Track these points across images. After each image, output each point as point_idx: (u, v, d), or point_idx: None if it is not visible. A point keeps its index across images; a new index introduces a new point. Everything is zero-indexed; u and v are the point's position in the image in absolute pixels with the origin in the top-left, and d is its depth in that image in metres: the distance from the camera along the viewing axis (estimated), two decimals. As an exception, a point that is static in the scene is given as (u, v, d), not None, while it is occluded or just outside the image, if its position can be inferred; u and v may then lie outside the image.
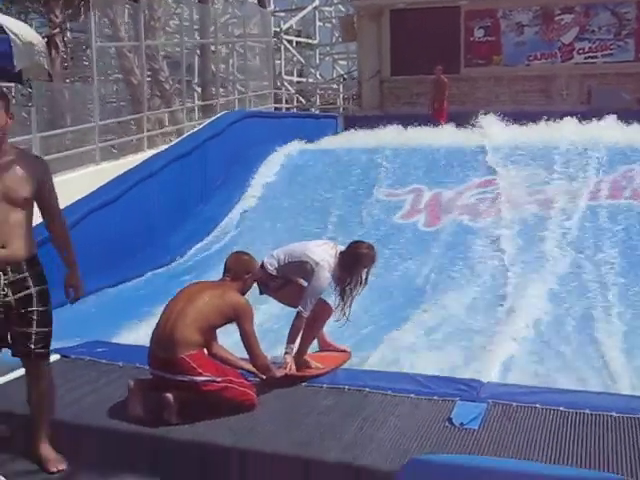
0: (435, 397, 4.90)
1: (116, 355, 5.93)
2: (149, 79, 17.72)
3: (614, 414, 4.58)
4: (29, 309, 3.95)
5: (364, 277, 5.53)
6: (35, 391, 4.06)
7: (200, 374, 4.62)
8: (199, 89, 19.68)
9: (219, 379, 4.67)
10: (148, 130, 13.89)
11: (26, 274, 3.95)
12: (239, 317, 4.82)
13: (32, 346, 3.96)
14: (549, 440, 4.28)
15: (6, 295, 3.89)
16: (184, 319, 4.70)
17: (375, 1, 19.95)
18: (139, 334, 7.40)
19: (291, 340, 5.37)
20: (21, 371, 4.34)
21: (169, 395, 4.58)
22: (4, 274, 3.88)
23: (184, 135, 12.84)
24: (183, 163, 11.57)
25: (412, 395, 4.94)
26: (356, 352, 6.32)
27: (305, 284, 5.44)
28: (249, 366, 5.02)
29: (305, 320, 5.37)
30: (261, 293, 5.74)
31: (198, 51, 19.43)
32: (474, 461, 3.87)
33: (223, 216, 11.70)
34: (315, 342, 5.84)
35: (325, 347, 5.96)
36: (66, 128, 11.92)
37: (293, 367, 5.32)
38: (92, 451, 4.28)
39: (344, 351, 5.98)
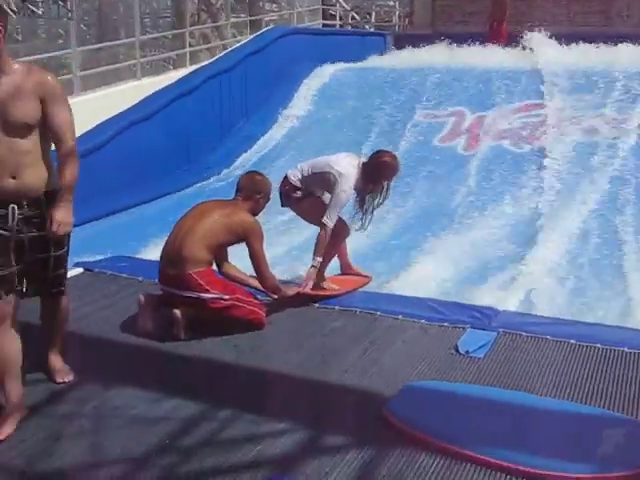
0: (446, 323, 4.86)
1: (137, 270, 6.01)
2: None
3: (626, 349, 4.49)
4: (44, 252, 3.70)
5: (386, 187, 5.49)
6: (49, 315, 4.02)
7: (207, 291, 4.65)
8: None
9: (227, 297, 4.69)
10: (191, 46, 13.75)
11: (44, 210, 3.62)
12: (248, 236, 4.81)
13: (47, 288, 3.84)
14: (553, 372, 4.21)
15: (20, 231, 3.58)
16: (193, 236, 4.72)
17: None
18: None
19: (317, 253, 5.33)
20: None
21: (177, 311, 4.63)
22: (19, 208, 3.56)
23: (225, 51, 12.68)
24: (223, 79, 11.47)
25: (423, 320, 4.90)
26: (378, 276, 6.33)
27: (327, 199, 5.41)
28: (259, 284, 5.04)
29: (329, 232, 5.32)
30: (282, 205, 5.72)
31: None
32: (465, 389, 3.86)
33: (263, 133, 11.64)
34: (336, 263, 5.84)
35: (347, 271, 5.94)
36: (106, 42, 11.82)
37: (310, 284, 5.29)
38: (101, 363, 4.37)
39: (365, 276, 5.96)
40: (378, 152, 5.60)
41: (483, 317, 4.94)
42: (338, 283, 5.68)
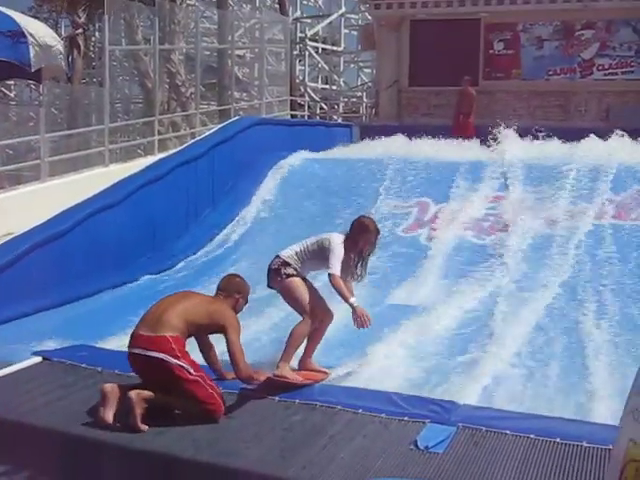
0: (406, 418, 4.85)
1: (97, 360, 5.96)
2: (167, 82, 17.87)
3: (585, 444, 4.50)
4: None
5: (372, 244, 6.18)
6: None
7: (177, 357, 4.70)
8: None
9: (192, 371, 4.73)
10: (160, 133, 13.94)
11: None
12: (227, 327, 5.00)
13: None
14: (512, 468, 4.21)
15: None
16: (175, 307, 4.92)
17: (395, 11, 19.88)
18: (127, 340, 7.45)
19: (346, 297, 5.80)
20: None
21: (132, 393, 4.61)
22: None
23: (193, 140, 12.88)
24: (190, 168, 11.60)
25: (383, 415, 4.89)
26: (338, 365, 6.34)
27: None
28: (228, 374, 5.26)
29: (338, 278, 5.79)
30: (268, 285, 6.02)
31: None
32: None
33: (228, 222, 11.70)
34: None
35: (305, 367, 6.05)
36: (75, 129, 11.97)
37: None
38: (53, 455, 4.29)
39: (324, 372, 6.07)
40: (359, 217, 6.31)
41: (443, 411, 4.94)
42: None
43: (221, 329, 5.03)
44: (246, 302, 5.44)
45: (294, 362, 5.91)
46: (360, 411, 4.94)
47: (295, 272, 5.85)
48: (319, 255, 5.91)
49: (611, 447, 4.38)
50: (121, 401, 4.71)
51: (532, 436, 4.59)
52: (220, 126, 13.46)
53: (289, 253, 5.96)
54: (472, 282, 9.32)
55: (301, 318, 5.80)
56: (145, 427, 4.56)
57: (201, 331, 5.11)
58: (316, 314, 5.89)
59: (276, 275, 5.84)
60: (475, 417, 4.88)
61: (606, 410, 5.72)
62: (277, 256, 5.96)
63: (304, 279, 5.95)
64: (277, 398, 5.18)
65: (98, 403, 4.77)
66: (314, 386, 5.55)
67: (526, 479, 4.10)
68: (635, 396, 1.19)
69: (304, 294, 5.81)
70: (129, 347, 4.93)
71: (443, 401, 5.18)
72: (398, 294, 9.17)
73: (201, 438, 4.54)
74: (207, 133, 13.10)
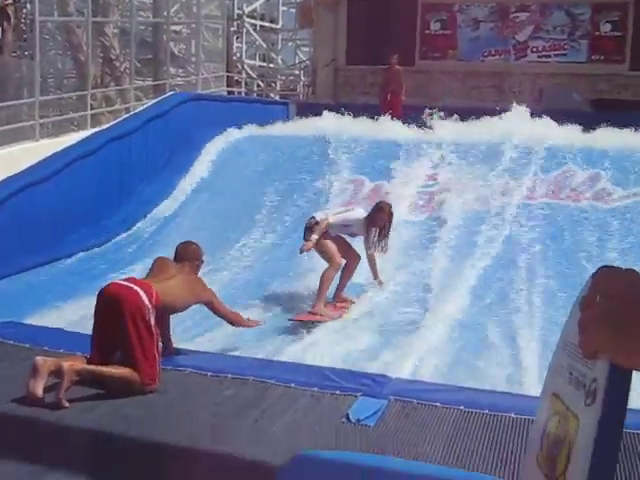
0: (338, 392, 4.87)
1: (25, 337, 5.82)
2: (101, 56, 17.50)
3: (513, 415, 4.59)
4: None
5: (387, 222, 7.98)
6: None
7: (150, 299, 4.88)
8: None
9: (153, 321, 4.86)
10: (93, 108, 13.66)
11: None
12: (208, 299, 5.69)
13: None
14: (443, 439, 4.27)
15: None
16: (164, 284, 5.17)
17: (333, -11, 19.83)
18: (61, 315, 7.34)
19: (376, 275, 8.17)
20: None
21: (65, 364, 4.52)
22: None
23: (127, 115, 12.66)
24: (124, 143, 11.40)
25: (315, 389, 4.91)
26: (267, 344, 6.38)
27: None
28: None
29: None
30: (304, 238, 7.74)
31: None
32: (357, 459, 3.85)
33: (163, 198, 11.55)
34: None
35: (338, 298, 7.97)
36: (5, 102, 11.65)
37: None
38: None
39: (351, 301, 7.99)
40: (378, 202, 8.36)
41: (375, 385, 4.98)
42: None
43: (201, 302, 5.70)
44: (202, 262, 5.98)
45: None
46: (292, 385, 4.95)
47: (326, 236, 7.67)
48: (344, 224, 7.84)
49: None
50: (53, 375, 4.62)
51: (462, 408, 4.66)
52: (155, 101, 13.25)
53: (322, 216, 7.79)
54: (406, 259, 9.39)
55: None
56: (66, 403, 4.46)
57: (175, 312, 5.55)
58: (346, 258, 7.86)
59: (310, 232, 7.66)
60: (406, 390, 4.94)
61: (535, 382, 5.88)
62: (312, 217, 7.87)
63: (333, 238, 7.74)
64: (209, 373, 5.15)
65: (28, 377, 4.65)
66: (246, 360, 5.54)
67: (455, 449, 4.16)
68: (559, 352, 1.21)
69: (331, 247, 7.69)
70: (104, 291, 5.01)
71: (375, 375, 5.23)
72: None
73: (132, 414, 4.49)
74: (141, 108, 12.88)
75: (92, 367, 4.60)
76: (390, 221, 8.08)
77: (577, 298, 1.15)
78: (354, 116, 14.34)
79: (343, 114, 14.39)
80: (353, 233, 8.05)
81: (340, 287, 8.02)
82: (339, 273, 7.94)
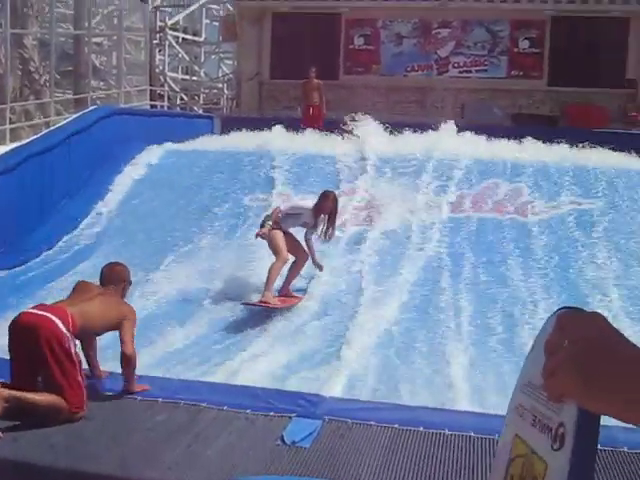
0: (272, 413, 4.82)
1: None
2: (20, 68, 17.06)
3: (446, 432, 4.61)
4: None
5: (333, 210, 8.63)
6: None
7: (67, 327, 4.65)
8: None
9: (74, 348, 4.67)
10: (12, 122, 13.30)
11: None
12: (124, 322, 5.13)
13: None
14: (378, 458, 4.26)
15: None
16: (74, 304, 4.92)
17: (258, 3, 19.82)
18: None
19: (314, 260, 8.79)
20: None
21: None
22: None
23: (47, 129, 12.35)
24: (45, 158, 11.09)
25: (248, 411, 4.84)
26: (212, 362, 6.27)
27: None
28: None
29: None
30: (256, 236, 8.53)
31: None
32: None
33: (84, 215, 11.26)
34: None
35: (285, 293, 8.45)
36: None
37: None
38: None
39: (298, 297, 8.42)
40: (324, 191, 8.89)
41: (308, 405, 4.94)
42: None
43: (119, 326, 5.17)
44: (130, 283, 5.70)
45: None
46: (225, 408, 4.87)
47: (277, 226, 8.34)
48: (295, 213, 8.54)
49: (472, 434, 4.55)
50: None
51: (396, 426, 4.66)
52: (76, 115, 12.96)
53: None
54: (334, 273, 9.37)
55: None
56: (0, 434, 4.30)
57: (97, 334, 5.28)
58: (295, 255, 8.50)
59: (262, 227, 8.37)
60: (340, 409, 4.91)
61: (464, 397, 5.93)
62: (266, 214, 8.64)
63: (285, 232, 8.39)
64: (139, 397, 5.02)
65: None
66: (176, 382, 5.43)
67: (390, 468, 4.15)
68: (520, 392, 1.19)
69: (280, 241, 8.27)
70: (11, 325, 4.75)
71: (309, 394, 5.18)
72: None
73: (59, 443, 4.34)
74: (63, 122, 12.58)
75: (19, 394, 4.43)
76: (336, 208, 8.75)
77: (537, 338, 1.13)
78: (279, 129, 14.32)
79: (268, 127, 14.35)
80: (305, 223, 8.62)
81: (286, 282, 8.52)
82: (287, 268, 8.53)
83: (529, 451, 1.12)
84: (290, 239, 8.50)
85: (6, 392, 4.40)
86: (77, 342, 4.90)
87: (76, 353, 4.73)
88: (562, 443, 1.03)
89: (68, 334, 4.64)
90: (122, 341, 5.05)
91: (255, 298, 8.30)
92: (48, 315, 4.65)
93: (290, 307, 8.22)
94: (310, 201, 8.78)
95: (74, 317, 4.75)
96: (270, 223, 8.34)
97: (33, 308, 4.87)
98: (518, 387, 1.21)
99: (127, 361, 5.01)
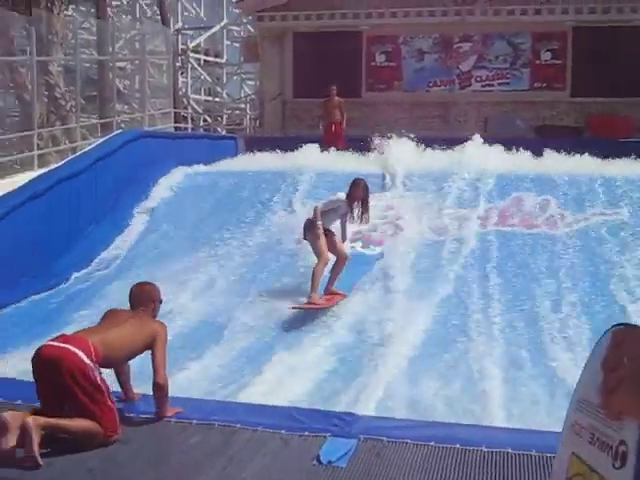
0: (306, 433, 4.78)
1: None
2: (46, 94, 17.25)
3: (484, 448, 4.56)
4: None
5: (364, 195, 9.19)
6: None
7: (90, 357, 4.58)
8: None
9: (100, 377, 4.62)
10: (39, 148, 13.45)
11: None
12: (156, 341, 5.02)
13: None
14: (416, 478, 4.21)
15: None
16: (100, 333, 4.83)
17: (278, 23, 19.95)
18: (16, 363, 7.09)
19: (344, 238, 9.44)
20: None
21: (29, 420, 4.32)
22: None
23: (75, 154, 12.47)
24: (72, 183, 11.21)
25: (283, 431, 4.80)
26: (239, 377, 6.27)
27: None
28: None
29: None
30: (304, 238, 9.15)
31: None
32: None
33: (113, 238, 11.36)
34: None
35: (329, 291, 8.96)
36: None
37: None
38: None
39: (342, 294, 8.97)
40: (354, 179, 9.33)
41: (343, 424, 4.90)
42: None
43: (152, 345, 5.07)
44: (161, 302, 5.52)
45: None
46: (260, 428, 4.84)
47: (320, 230, 8.81)
48: (332, 208, 9.04)
49: (509, 450, 4.50)
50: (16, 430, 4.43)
51: (432, 444, 4.61)
52: (102, 140, 13.09)
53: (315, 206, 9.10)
54: (362, 292, 9.36)
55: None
56: (41, 461, 4.29)
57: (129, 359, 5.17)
58: (335, 255, 9.05)
59: (307, 230, 8.96)
60: (375, 428, 4.86)
61: (500, 413, 5.89)
62: (308, 219, 9.09)
63: (326, 232, 8.91)
64: (173, 420, 5.01)
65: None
66: (210, 404, 5.42)
67: (428, 488, 4.11)
68: (575, 410, 1.17)
69: (322, 244, 8.79)
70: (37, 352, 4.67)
71: (342, 413, 5.15)
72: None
73: (95, 467, 4.32)
74: (89, 147, 12.71)
75: (54, 421, 4.43)
76: (367, 194, 9.30)
77: (591, 355, 1.11)
78: (304, 148, 14.38)
79: (291, 147, 14.41)
80: (343, 215, 9.16)
81: (330, 281, 9.04)
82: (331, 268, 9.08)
83: (588, 469, 1.10)
84: (330, 240, 8.99)
85: (42, 420, 4.39)
86: (103, 369, 4.86)
87: (102, 379, 4.66)
88: (624, 461, 1.01)
89: (91, 364, 4.58)
90: (155, 369, 4.96)
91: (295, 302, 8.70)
92: (69, 347, 4.58)
93: (336, 304, 8.74)
94: (342, 193, 9.17)
95: (96, 346, 4.67)
96: (319, 222, 8.83)
97: (54, 340, 4.76)
98: (573, 404, 1.19)
99: (160, 390, 4.96)
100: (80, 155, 12.28)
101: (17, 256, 9.84)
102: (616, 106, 18.40)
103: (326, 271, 8.98)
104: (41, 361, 4.58)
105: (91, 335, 4.77)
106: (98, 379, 4.59)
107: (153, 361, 4.99)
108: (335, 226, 9.24)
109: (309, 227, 8.96)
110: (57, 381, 4.50)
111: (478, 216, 11.13)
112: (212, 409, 5.23)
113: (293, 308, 8.55)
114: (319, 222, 8.86)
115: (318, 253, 8.84)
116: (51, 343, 4.69)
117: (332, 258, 9.10)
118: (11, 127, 16.21)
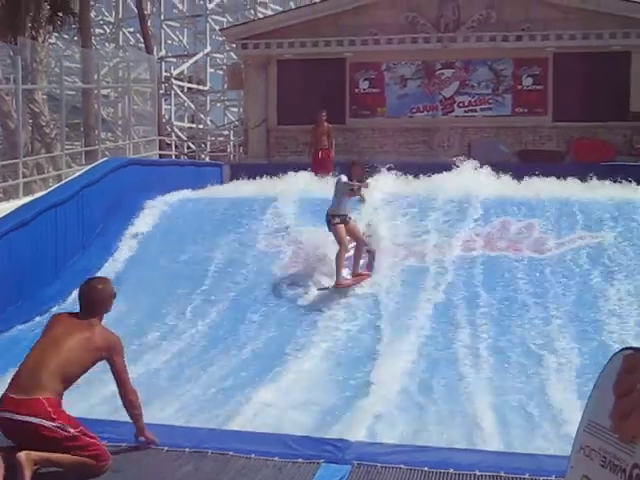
0: (300, 459, 4.77)
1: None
2: (31, 122, 17.26)
3: (477, 472, 4.57)
4: None
5: (359, 171, 10.68)
6: None
7: (53, 419, 4.38)
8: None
9: (71, 429, 4.43)
10: (25, 176, 13.43)
11: None
12: (111, 354, 4.72)
13: None
14: (411, 503, 4.22)
15: None
16: (48, 365, 4.51)
17: (262, 51, 20.10)
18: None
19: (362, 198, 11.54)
20: None
21: (22, 454, 4.28)
22: None
23: (60, 182, 12.45)
24: (58, 212, 11.17)
25: (276, 458, 4.79)
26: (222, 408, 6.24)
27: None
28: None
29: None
30: (329, 229, 10.24)
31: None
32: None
33: (99, 267, 11.29)
34: None
35: (355, 272, 10.30)
36: None
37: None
38: None
39: (367, 274, 10.32)
40: (351, 161, 11.29)
41: (336, 450, 4.90)
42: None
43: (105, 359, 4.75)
44: (114, 297, 5.08)
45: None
46: (253, 456, 4.82)
47: (338, 220, 10.11)
48: (342, 196, 10.24)
49: (502, 474, 4.51)
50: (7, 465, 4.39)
51: (426, 468, 4.61)
52: (88, 168, 13.06)
53: (331, 208, 10.22)
54: (344, 319, 9.37)
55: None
56: None
57: (80, 376, 4.75)
58: (354, 239, 10.35)
59: (329, 224, 10.13)
60: (369, 453, 4.87)
61: (493, 436, 5.90)
62: (327, 213, 10.23)
63: (346, 220, 10.24)
64: (166, 448, 4.98)
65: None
66: (203, 431, 5.39)
67: (423, 513, 4.11)
68: (585, 433, 1.19)
69: (342, 233, 10.06)
70: None
71: (335, 440, 5.14)
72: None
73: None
74: (75, 175, 12.69)
75: (46, 455, 4.38)
76: (364, 170, 10.99)
77: (600, 378, 1.14)
78: (288, 175, 14.37)
79: (278, 174, 14.41)
80: (351, 192, 10.49)
81: (355, 264, 10.34)
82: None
83: None
84: (349, 227, 10.25)
85: (35, 454, 4.35)
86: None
87: (70, 420, 4.49)
88: (638, 484, 1.04)
89: (55, 423, 4.39)
90: (120, 386, 4.75)
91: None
92: (30, 420, 4.36)
93: (364, 281, 10.06)
94: (342, 176, 10.44)
95: (50, 398, 4.45)
96: (340, 217, 10.09)
97: (7, 407, 4.41)
98: (582, 427, 1.22)
99: (133, 407, 4.79)
100: (66, 183, 12.24)
101: (4, 285, 9.79)
102: (597, 130, 18.63)
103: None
104: (7, 434, 4.50)
105: (40, 383, 4.46)
106: (69, 430, 4.43)
107: (117, 379, 4.79)
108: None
109: (328, 221, 10.17)
110: (32, 448, 4.43)
111: (464, 240, 11.14)
112: (204, 437, 5.20)
113: (320, 289, 9.83)
114: (335, 219, 10.08)
115: (339, 241, 10.05)
116: (9, 417, 4.42)
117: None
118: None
